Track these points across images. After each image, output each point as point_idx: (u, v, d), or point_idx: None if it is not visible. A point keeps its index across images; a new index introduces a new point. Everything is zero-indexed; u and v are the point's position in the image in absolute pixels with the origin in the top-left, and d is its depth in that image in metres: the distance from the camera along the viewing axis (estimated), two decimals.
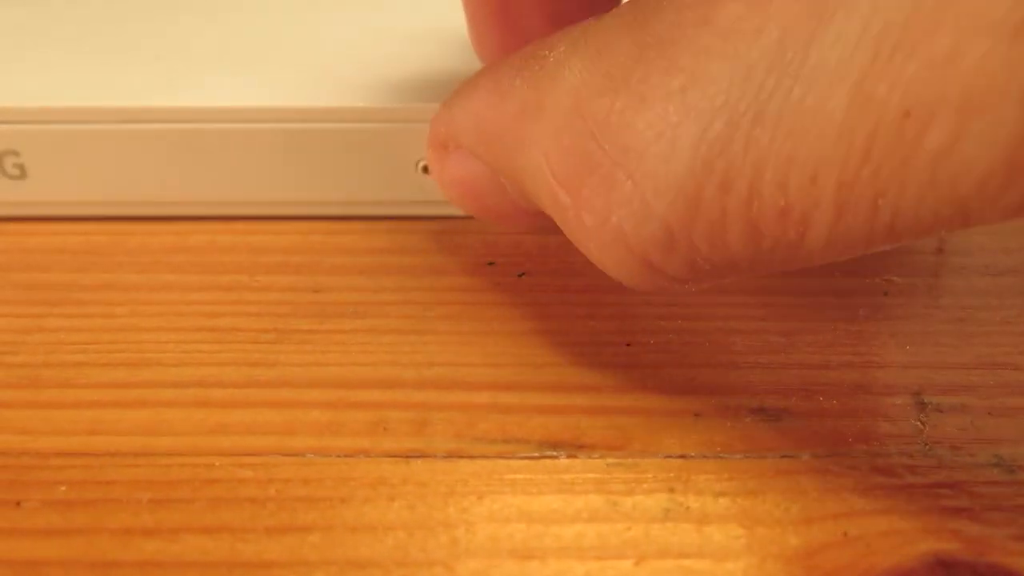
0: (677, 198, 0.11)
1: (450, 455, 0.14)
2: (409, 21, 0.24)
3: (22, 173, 0.19)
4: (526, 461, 0.14)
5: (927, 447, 0.14)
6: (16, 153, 0.19)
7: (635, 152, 0.12)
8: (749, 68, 0.11)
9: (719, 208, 0.11)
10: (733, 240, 0.11)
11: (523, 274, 0.18)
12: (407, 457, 0.14)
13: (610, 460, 0.14)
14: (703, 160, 0.11)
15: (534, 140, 0.13)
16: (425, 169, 0.19)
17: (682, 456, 0.14)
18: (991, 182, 0.09)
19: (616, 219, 0.12)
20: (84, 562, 0.12)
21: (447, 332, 0.16)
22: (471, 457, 0.14)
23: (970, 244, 0.19)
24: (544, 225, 0.14)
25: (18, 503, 0.13)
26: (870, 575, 0.12)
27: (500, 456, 0.14)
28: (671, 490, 0.13)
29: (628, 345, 0.16)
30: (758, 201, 0.11)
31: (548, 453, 0.14)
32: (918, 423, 0.14)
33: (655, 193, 0.12)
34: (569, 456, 0.14)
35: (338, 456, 0.14)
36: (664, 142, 0.11)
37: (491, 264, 0.18)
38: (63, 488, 0.13)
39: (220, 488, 0.13)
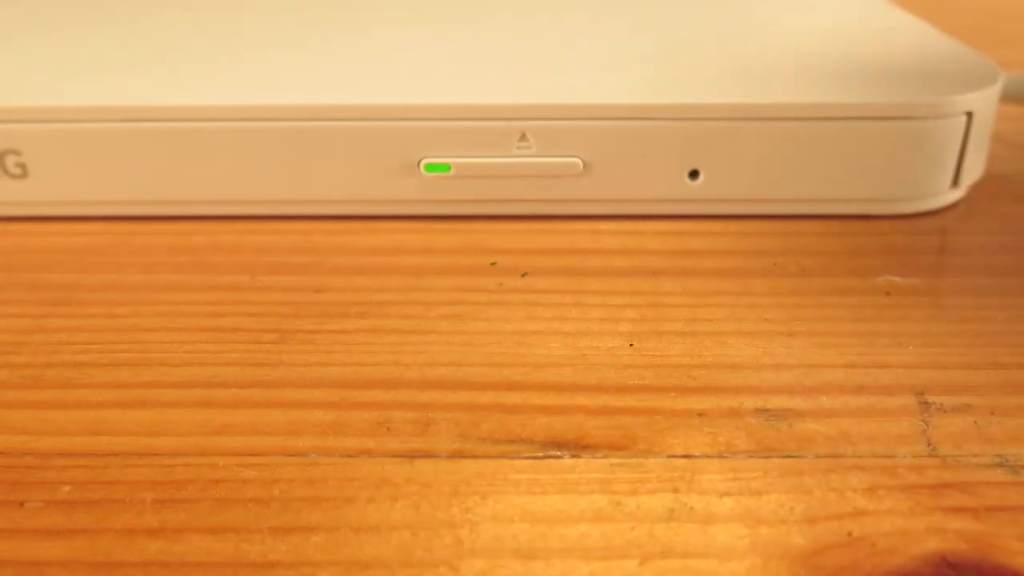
0: None
1: (454, 455, 0.14)
2: (411, 23, 0.24)
3: (23, 172, 0.19)
4: (530, 461, 0.14)
5: (931, 447, 0.14)
6: (17, 152, 0.19)
7: None
8: None
9: None
10: None
11: (525, 274, 0.18)
12: (411, 457, 0.14)
13: (614, 460, 0.14)
14: None
15: None
16: (427, 168, 0.19)
17: (686, 456, 0.14)
18: None
19: None
20: (87, 562, 0.12)
21: (450, 332, 0.16)
22: (475, 457, 0.14)
23: (972, 244, 0.19)
24: None
25: (21, 503, 0.13)
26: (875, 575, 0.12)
27: (504, 456, 0.14)
28: (675, 490, 0.13)
29: (631, 345, 0.16)
30: None
31: (552, 453, 0.14)
32: (921, 423, 0.14)
33: None
34: (573, 456, 0.14)
35: (342, 456, 0.14)
36: None
37: (493, 264, 0.18)
38: (66, 488, 0.13)
39: (224, 488, 0.13)
